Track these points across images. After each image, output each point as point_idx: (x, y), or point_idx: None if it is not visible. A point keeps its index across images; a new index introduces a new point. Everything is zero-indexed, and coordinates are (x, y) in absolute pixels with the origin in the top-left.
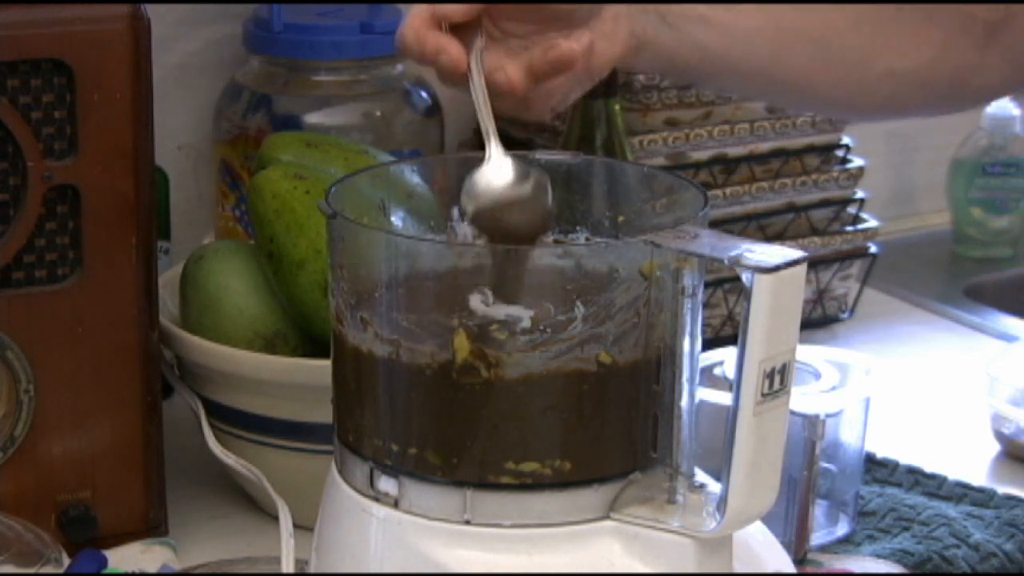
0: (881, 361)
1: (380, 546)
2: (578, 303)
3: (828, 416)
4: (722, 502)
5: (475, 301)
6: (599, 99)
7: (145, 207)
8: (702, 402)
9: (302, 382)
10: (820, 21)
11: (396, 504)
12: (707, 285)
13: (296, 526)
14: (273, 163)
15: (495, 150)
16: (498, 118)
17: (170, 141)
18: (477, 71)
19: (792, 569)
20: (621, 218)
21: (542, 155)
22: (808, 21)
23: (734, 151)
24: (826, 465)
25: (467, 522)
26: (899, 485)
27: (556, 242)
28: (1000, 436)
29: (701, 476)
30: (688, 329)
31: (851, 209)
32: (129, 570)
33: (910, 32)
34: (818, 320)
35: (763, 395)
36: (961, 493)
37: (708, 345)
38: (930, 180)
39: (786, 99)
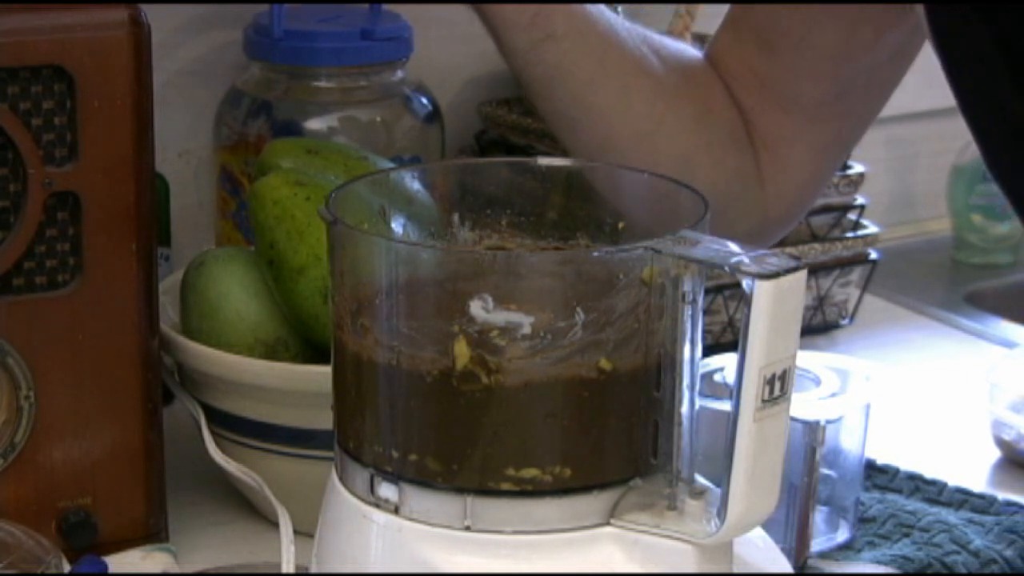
0: (881, 367)
1: (380, 552)
2: (578, 309)
3: (828, 422)
4: (722, 508)
5: (475, 307)
6: None
7: (145, 213)
8: (702, 408)
9: (303, 389)
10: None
11: (396, 510)
12: (707, 291)
13: (296, 532)
14: (273, 169)
15: None
16: (501, 124)
17: (170, 147)
18: None
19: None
20: (621, 224)
21: (542, 161)
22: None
23: None
24: (826, 471)
25: (467, 528)
26: (899, 491)
27: (556, 248)
28: (1000, 442)
29: (701, 482)
30: (688, 335)
31: (851, 215)
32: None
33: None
34: (818, 326)
35: (763, 401)
36: (961, 499)
37: (708, 351)
38: (930, 186)
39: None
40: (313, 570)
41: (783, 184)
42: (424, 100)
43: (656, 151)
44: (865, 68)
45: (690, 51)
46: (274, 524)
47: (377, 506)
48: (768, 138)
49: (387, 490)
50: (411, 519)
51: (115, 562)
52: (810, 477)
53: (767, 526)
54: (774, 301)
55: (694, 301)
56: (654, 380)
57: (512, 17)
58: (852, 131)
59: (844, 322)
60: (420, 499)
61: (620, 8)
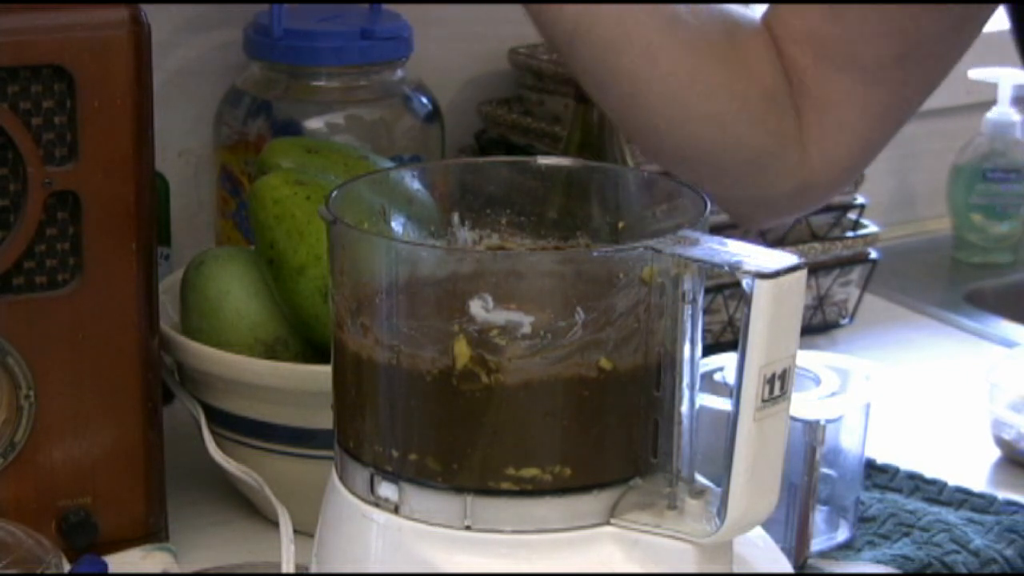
0: (881, 367)
1: (380, 551)
2: (578, 309)
3: (828, 422)
4: (722, 508)
5: (475, 307)
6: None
7: (145, 213)
8: (702, 408)
9: (303, 388)
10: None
11: (396, 510)
12: (707, 291)
13: (296, 532)
14: (273, 169)
15: None
16: (501, 124)
17: (170, 147)
18: None
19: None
20: (621, 224)
21: (542, 160)
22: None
23: None
24: (826, 471)
25: (467, 528)
26: (899, 491)
27: (556, 248)
28: (1001, 442)
29: (701, 482)
30: (688, 335)
31: (851, 215)
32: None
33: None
34: (818, 326)
35: (763, 401)
36: (961, 499)
37: (708, 351)
38: (930, 186)
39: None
40: (313, 570)
41: (830, 148)
42: (424, 100)
43: (687, 110)
44: (929, 34)
45: (737, 11)
46: (274, 524)
47: (377, 505)
48: (818, 100)
49: (387, 489)
50: (411, 518)
51: (115, 562)
52: (810, 476)
53: (767, 526)
54: (774, 300)
55: (694, 300)
56: (654, 379)
57: None
58: (906, 102)
59: (844, 321)
60: (420, 498)
61: None
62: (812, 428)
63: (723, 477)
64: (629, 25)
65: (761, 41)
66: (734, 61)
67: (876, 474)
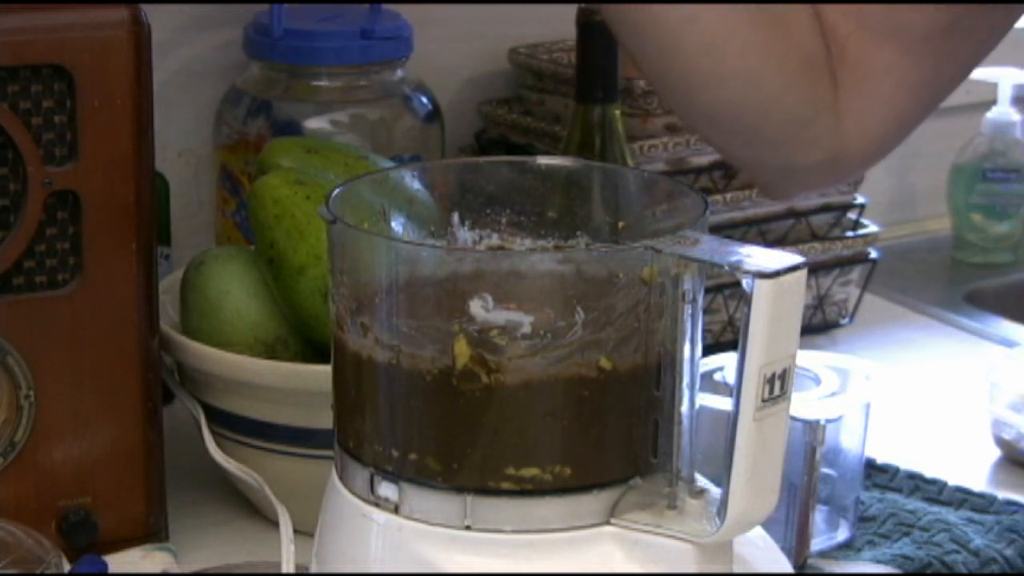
0: (881, 367)
1: (380, 551)
2: (578, 309)
3: (828, 422)
4: (722, 508)
5: (475, 307)
6: (599, 104)
7: (145, 213)
8: (702, 408)
9: (302, 388)
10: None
11: (396, 510)
12: (707, 290)
13: (296, 531)
14: (273, 169)
15: None
16: (501, 123)
17: (170, 147)
18: None
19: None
20: (621, 224)
21: (542, 160)
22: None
23: None
24: (826, 471)
25: (467, 528)
26: (899, 490)
27: (556, 248)
28: (1001, 442)
29: (701, 482)
30: (688, 335)
31: (851, 215)
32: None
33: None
34: (818, 326)
35: (763, 401)
36: (961, 498)
37: (708, 351)
38: (930, 186)
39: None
40: (313, 570)
41: (865, 119)
42: (424, 99)
43: (722, 64)
44: (975, 8)
45: None
46: (274, 523)
47: (377, 505)
48: (857, 68)
49: (387, 489)
50: (411, 518)
51: (115, 561)
52: (810, 476)
53: (767, 525)
54: (774, 300)
55: (694, 300)
56: (654, 379)
57: None
58: (946, 78)
59: (844, 321)
60: (420, 498)
61: None
62: (812, 428)
63: (723, 477)
64: None
65: (804, 6)
66: (775, 23)
67: (876, 474)
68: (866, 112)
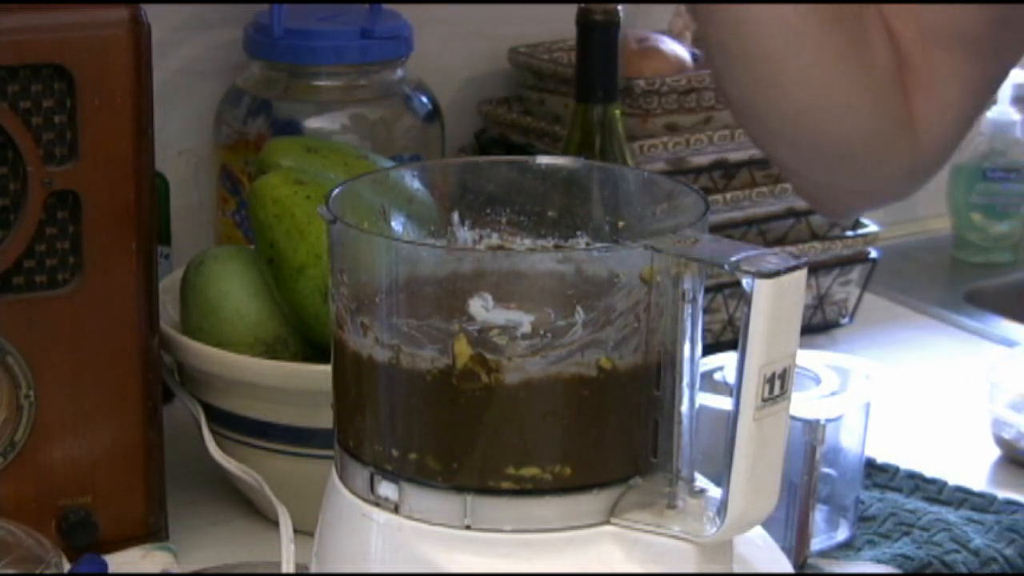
0: (881, 366)
1: (380, 551)
2: (578, 308)
3: (828, 421)
4: (722, 507)
5: (475, 306)
6: (599, 104)
7: (145, 212)
8: (702, 407)
9: (302, 387)
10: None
11: (396, 509)
12: (707, 290)
13: (296, 531)
14: (273, 168)
15: None
16: (501, 123)
17: (170, 146)
18: None
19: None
20: (621, 223)
21: (542, 160)
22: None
23: (735, 156)
24: (826, 470)
25: (467, 527)
26: (899, 490)
27: (556, 247)
28: (1001, 441)
29: (701, 481)
30: (688, 334)
31: None
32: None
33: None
34: (818, 325)
35: (763, 400)
36: (961, 498)
37: (708, 350)
38: (930, 185)
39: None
40: (313, 569)
41: (937, 128)
42: (424, 99)
43: (821, 96)
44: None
45: None
46: (274, 523)
47: (377, 505)
48: (925, 75)
49: (387, 489)
50: (411, 518)
51: (115, 561)
52: (810, 476)
53: (767, 525)
54: (774, 300)
55: (694, 300)
56: (654, 379)
57: None
58: (1003, 69)
59: (844, 321)
60: (420, 498)
61: (621, 7)
62: (812, 427)
63: (723, 477)
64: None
65: (876, 15)
66: (861, 40)
67: (876, 473)
68: (938, 119)
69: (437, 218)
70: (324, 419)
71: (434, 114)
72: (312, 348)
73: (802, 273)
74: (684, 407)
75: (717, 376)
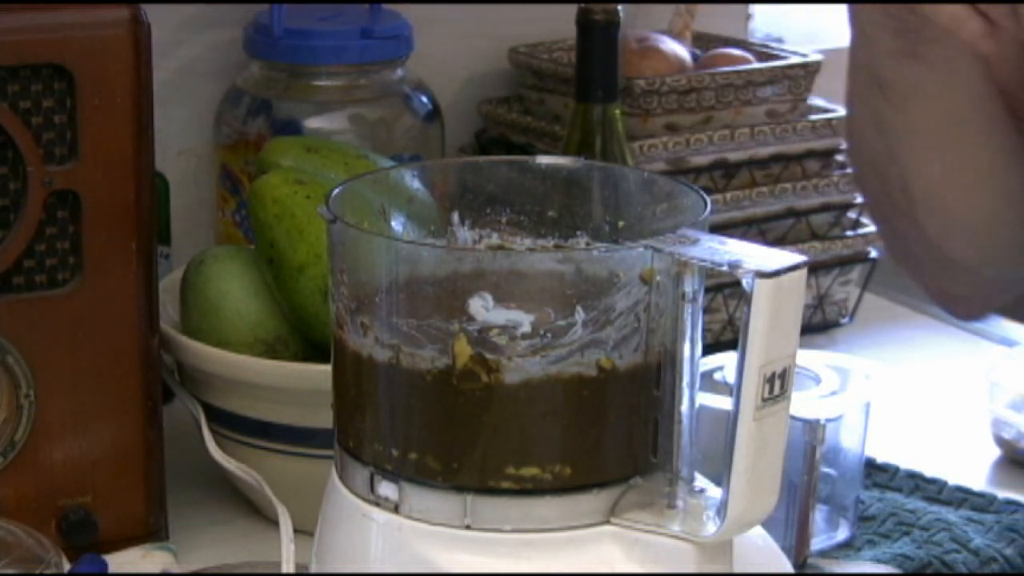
0: (881, 366)
1: (380, 551)
2: (578, 308)
3: (828, 421)
4: (722, 507)
5: (475, 306)
6: (599, 104)
7: (145, 212)
8: (702, 407)
9: (302, 387)
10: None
11: (396, 509)
12: (707, 290)
13: (296, 531)
14: (273, 168)
15: None
16: (501, 123)
17: (170, 146)
18: None
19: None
20: (621, 223)
21: (542, 160)
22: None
23: (735, 156)
24: (826, 470)
25: (467, 527)
26: (899, 490)
27: (556, 247)
28: (1001, 441)
29: (701, 481)
30: (688, 334)
31: (851, 214)
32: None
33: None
34: (818, 325)
35: (763, 400)
36: (961, 498)
37: (708, 350)
38: None
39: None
40: (313, 569)
41: None
42: (424, 99)
43: (980, 209)
44: None
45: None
46: (274, 523)
47: (377, 505)
48: None
49: (387, 489)
50: (411, 518)
51: (115, 561)
52: (810, 476)
53: (767, 525)
54: (774, 299)
55: (694, 299)
56: (654, 379)
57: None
58: None
59: (844, 321)
60: (420, 498)
61: (621, 7)
62: (812, 427)
63: (723, 477)
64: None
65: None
66: (1006, 132)
67: (876, 473)
68: None
69: (437, 218)
70: (324, 419)
71: (434, 114)
72: (312, 348)
73: (802, 273)
74: (684, 407)
75: (717, 376)
